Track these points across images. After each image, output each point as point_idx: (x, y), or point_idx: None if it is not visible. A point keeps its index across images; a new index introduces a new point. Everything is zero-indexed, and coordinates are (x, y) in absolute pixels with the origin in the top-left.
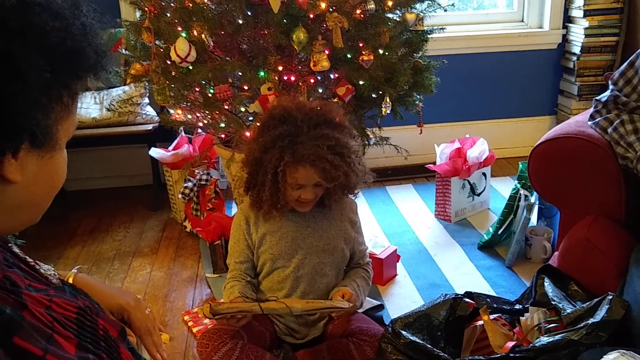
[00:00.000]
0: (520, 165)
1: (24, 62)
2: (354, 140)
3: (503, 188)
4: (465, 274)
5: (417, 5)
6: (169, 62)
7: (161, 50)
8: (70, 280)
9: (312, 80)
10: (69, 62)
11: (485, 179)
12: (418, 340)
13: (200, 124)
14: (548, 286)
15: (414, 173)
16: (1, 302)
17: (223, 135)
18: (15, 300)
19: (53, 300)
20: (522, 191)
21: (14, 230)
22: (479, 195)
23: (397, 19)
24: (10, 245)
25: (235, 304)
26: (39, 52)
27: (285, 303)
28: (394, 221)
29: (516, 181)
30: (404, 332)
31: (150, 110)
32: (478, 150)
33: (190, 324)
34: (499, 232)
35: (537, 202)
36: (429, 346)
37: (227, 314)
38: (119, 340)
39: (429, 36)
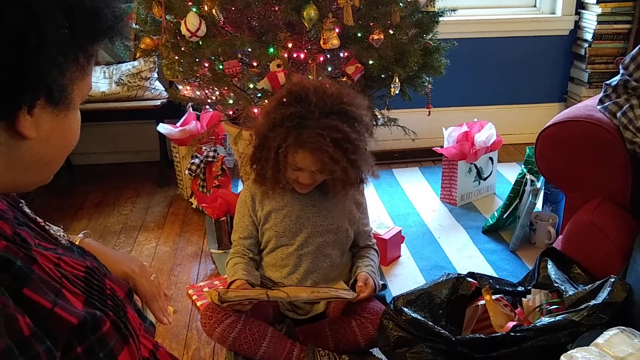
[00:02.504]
0: (528, 150)
1: (43, 17)
2: (368, 134)
3: (509, 173)
4: (469, 257)
5: None
6: (179, 37)
7: (171, 24)
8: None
9: (321, 58)
10: (87, 22)
11: (492, 163)
12: (419, 317)
13: (209, 101)
14: (551, 269)
15: (421, 156)
16: (12, 254)
17: (231, 112)
18: (25, 254)
19: (62, 258)
20: (528, 176)
21: (25, 189)
22: (485, 179)
23: None
24: (21, 205)
25: (243, 292)
26: (58, 9)
27: (290, 293)
28: (399, 203)
29: (523, 166)
30: (405, 309)
31: (158, 86)
32: (486, 134)
33: (194, 297)
34: (504, 216)
35: (543, 188)
36: (430, 323)
37: (235, 302)
38: (126, 300)
39: (440, 18)
